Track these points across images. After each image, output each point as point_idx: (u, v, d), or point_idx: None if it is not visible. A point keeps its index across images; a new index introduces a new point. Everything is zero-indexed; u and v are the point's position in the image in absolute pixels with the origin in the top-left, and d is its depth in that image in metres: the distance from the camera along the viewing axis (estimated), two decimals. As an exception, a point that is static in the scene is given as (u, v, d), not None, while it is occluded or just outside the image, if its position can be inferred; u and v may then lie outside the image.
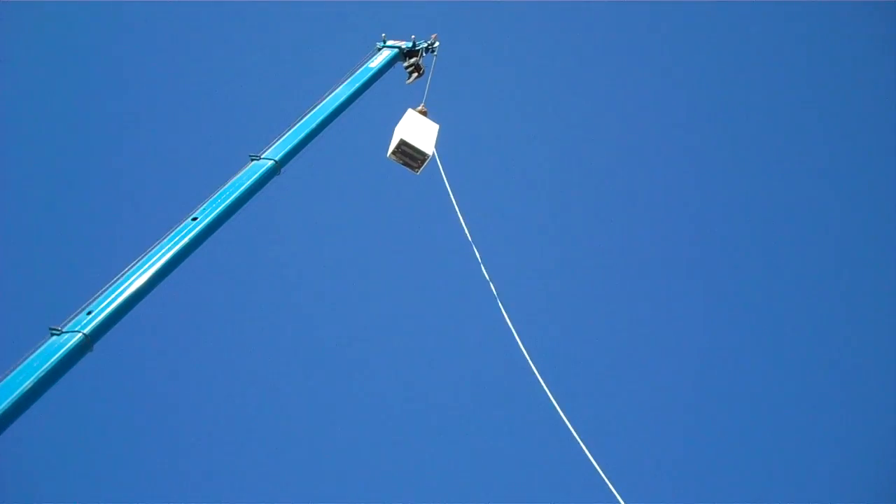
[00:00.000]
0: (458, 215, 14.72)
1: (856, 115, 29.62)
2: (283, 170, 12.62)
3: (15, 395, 8.35)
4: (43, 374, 8.65)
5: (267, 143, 12.86)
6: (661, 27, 31.41)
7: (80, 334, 9.15)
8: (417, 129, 14.72)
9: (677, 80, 31.04)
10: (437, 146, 14.75)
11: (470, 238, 14.65)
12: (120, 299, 9.74)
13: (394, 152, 14.68)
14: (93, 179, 27.94)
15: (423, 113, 15.24)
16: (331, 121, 13.94)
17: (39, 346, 9.01)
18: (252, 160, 12.49)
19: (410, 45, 16.34)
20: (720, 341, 28.39)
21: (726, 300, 28.97)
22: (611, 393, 27.98)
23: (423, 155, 14.54)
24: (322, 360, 28.08)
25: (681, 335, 28.50)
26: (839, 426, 26.24)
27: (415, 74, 16.27)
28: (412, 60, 16.32)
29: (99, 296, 9.81)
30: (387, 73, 15.74)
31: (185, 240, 10.74)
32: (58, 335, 9.15)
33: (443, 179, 14.88)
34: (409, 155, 14.59)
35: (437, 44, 16.64)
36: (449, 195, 14.84)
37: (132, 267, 10.28)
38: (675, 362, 28.16)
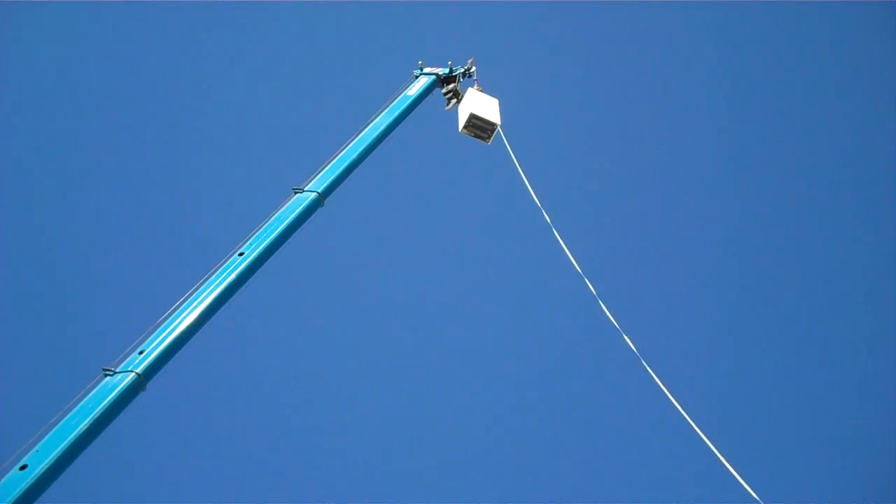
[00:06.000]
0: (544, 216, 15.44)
1: (857, 115, 29.49)
2: (325, 201, 12.68)
3: (72, 437, 8.43)
4: (98, 415, 8.72)
5: (297, 171, 12.97)
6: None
7: (133, 374, 9.21)
8: (482, 104, 15.85)
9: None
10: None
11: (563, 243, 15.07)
12: (171, 337, 9.80)
13: (465, 126, 15.74)
14: (136, 218, 28.27)
15: (480, 90, 16.24)
16: (371, 150, 13.99)
17: (93, 387, 9.09)
18: (295, 193, 12.55)
19: (447, 70, 16.33)
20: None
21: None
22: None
23: (492, 125, 15.66)
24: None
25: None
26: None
27: (453, 100, 16.28)
28: (450, 86, 16.30)
29: (149, 335, 9.88)
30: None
31: (233, 276, 10.80)
32: (111, 375, 9.22)
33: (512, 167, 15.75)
34: (479, 127, 15.72)
35: (473, 68, 16.63)
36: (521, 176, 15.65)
37: (180, 305, 10.35)
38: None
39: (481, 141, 15.87)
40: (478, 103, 15.81)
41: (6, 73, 27.81)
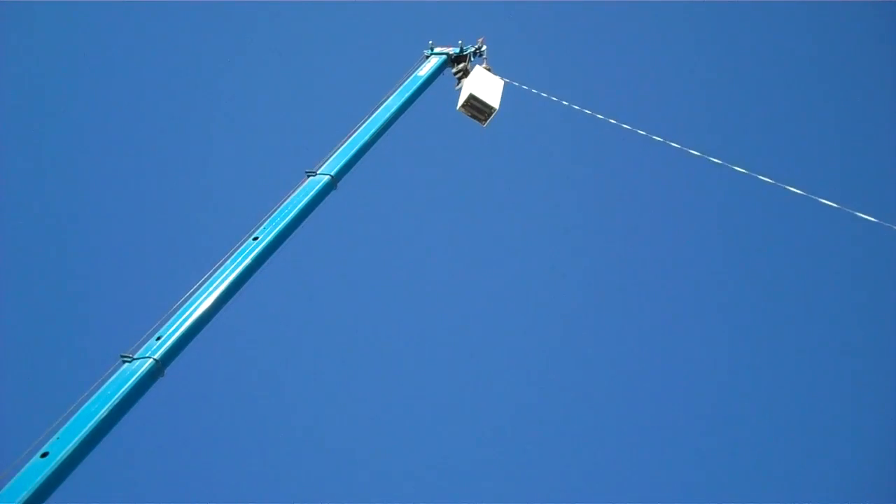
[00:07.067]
0: None
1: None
2: (338, 184, 12.65)
3: (92, 423, 8.49)
4: (118, 401, 8.77)
5: (311, 155, 12.92)
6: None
7: (151, 360, 9.24)
8: (485, 85, 15.57)
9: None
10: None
11: None
12: (188, 323, 9.82)
13: (463, 105, 15.49)
14: (146, 210, 28.28)
15: (488, 70, 15.96)
16: (383, 132, 13.92)
17: (112, 374, 9.12)
18: (308, 176, 12.50)
19: (458, 50, 16.22)
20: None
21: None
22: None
23: (490, 108, 15.40)
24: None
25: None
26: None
27: (463, 80, 16.16)
28: (460, 66, 16.20)
29: (166, 321, 9.89)
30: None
31: (248, 260, 10.79)
32: (129, 362, 9.24)
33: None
34: (477, 108, 15.46)
35: (484, 47, 16.50)
36: None
37: (196, 290, 10.33)
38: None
39: (478, 122, 15.63)
40: (481, 84, 15.53)
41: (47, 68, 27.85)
